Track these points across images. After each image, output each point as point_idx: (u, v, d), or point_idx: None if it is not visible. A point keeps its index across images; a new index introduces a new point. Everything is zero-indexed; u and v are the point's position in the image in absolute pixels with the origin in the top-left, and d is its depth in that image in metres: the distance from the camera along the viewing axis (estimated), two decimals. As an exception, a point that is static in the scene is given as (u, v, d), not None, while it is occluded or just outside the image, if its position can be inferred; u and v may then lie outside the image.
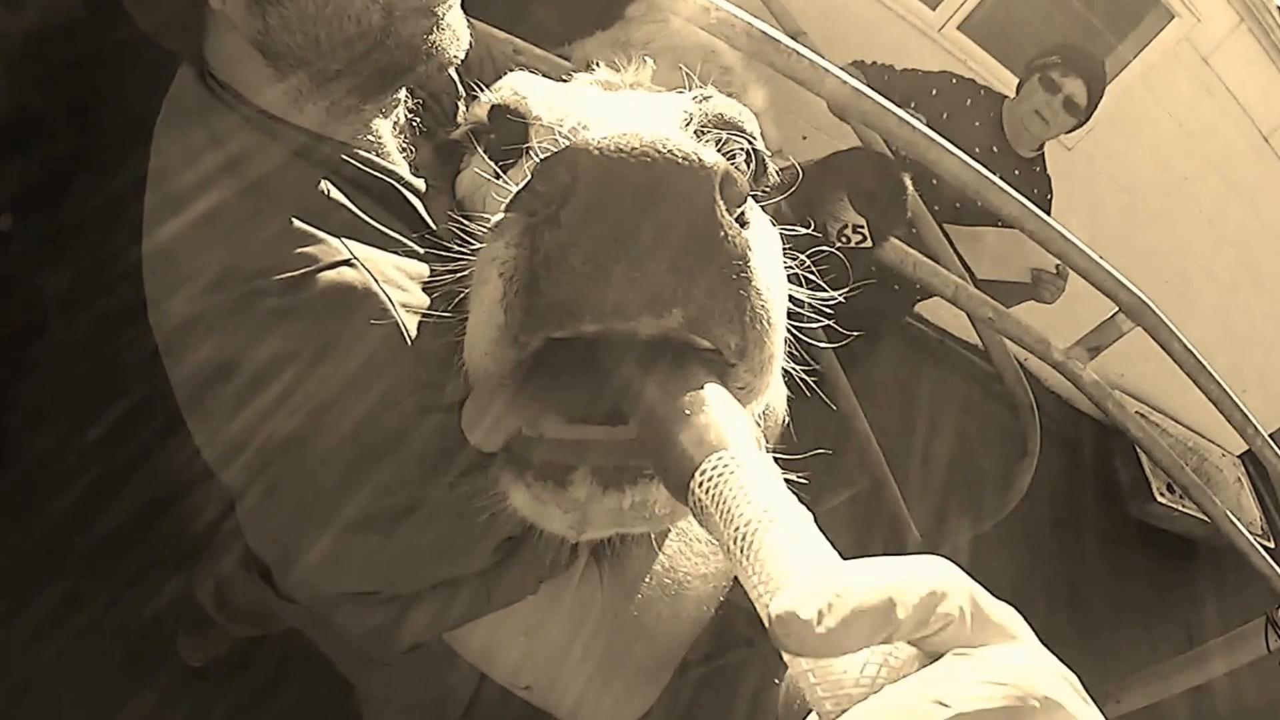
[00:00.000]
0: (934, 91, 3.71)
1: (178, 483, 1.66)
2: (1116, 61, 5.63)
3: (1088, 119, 3.71)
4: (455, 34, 1.22)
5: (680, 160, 0.63)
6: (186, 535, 2.00)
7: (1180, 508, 5.65)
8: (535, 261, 0.65)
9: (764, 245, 0.70)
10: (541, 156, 0.66)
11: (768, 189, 1.23)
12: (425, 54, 1.18)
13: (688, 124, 1.03)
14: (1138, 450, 5.13)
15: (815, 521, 0.57)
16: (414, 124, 1.36)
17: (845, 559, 0.54)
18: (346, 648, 1.36)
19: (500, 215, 0.70)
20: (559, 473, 0.71)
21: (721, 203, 0.65)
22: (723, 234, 0.65)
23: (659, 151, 0.63)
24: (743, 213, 0.69)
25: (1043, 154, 3.84)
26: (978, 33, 5.49)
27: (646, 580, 1.09)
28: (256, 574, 1.36)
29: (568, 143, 0.64)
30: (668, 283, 0.64)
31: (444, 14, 1.19)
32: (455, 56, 1.23)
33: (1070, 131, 3.78)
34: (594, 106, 1.05)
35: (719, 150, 1.03)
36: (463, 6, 1.24)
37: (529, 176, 0.67)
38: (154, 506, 2.15)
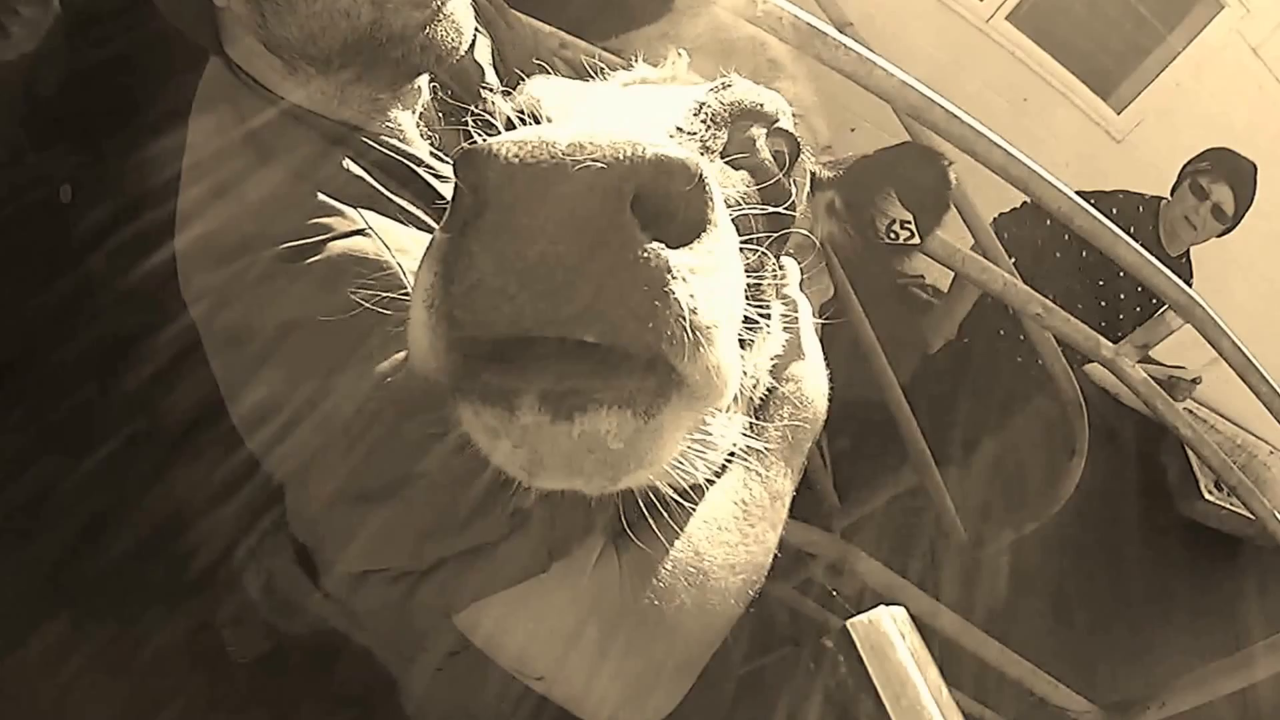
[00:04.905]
0: (1114, 210, 3.77)
1: (187, 510, 1.66)
2: (1166, 52, 5.53)
3: (1234, 226, 3.75)
4: (456, 25, 1.24)
5: (586, 175, 0.60)
6: (194, 568, 2.00)
7: (1229, 505, 5.56)
8: (450, 288, 0.64)
9: (699, 254, 0.66)
10: (459, 162, 0.64)
11: (800, 171, 1.21)
12: (420, 46, 1.20)
13: (698, 114, 1.02)
14: (1185, 447, 5.05)
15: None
16: (440, 115, 1.40)
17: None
18: (389, 645, 1.37)
19: (437, 232, 0.68)
20: (505, 396, 0.67)
21: (633, 219, 0.61)
22: (632, 257, 0.62)
23: (565, 165, 0.60)
24: (675, 218, 0.65)
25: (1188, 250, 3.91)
26: (1026, 23, 5.41)
27: (668, 567, 1.06)
28: (303, 570, 1.37)
29: (478, 151, 0.62)
30: (571, 307, 0.62)
31: (441, 5, 1.21)
32: (456, 47, 1.25)
33: (1220, 236, 3.81)
34: (599, 106, 1.05)
35: (730, 141, 1.03)
36: (513, 4, 1.25)
37: (454, 183, 0.65)
38: (160, 536, 2.16)
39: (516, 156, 0.61)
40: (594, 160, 0.60)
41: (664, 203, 0.63)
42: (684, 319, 0.64)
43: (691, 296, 0.64)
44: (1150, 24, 5.57)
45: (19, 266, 2.16)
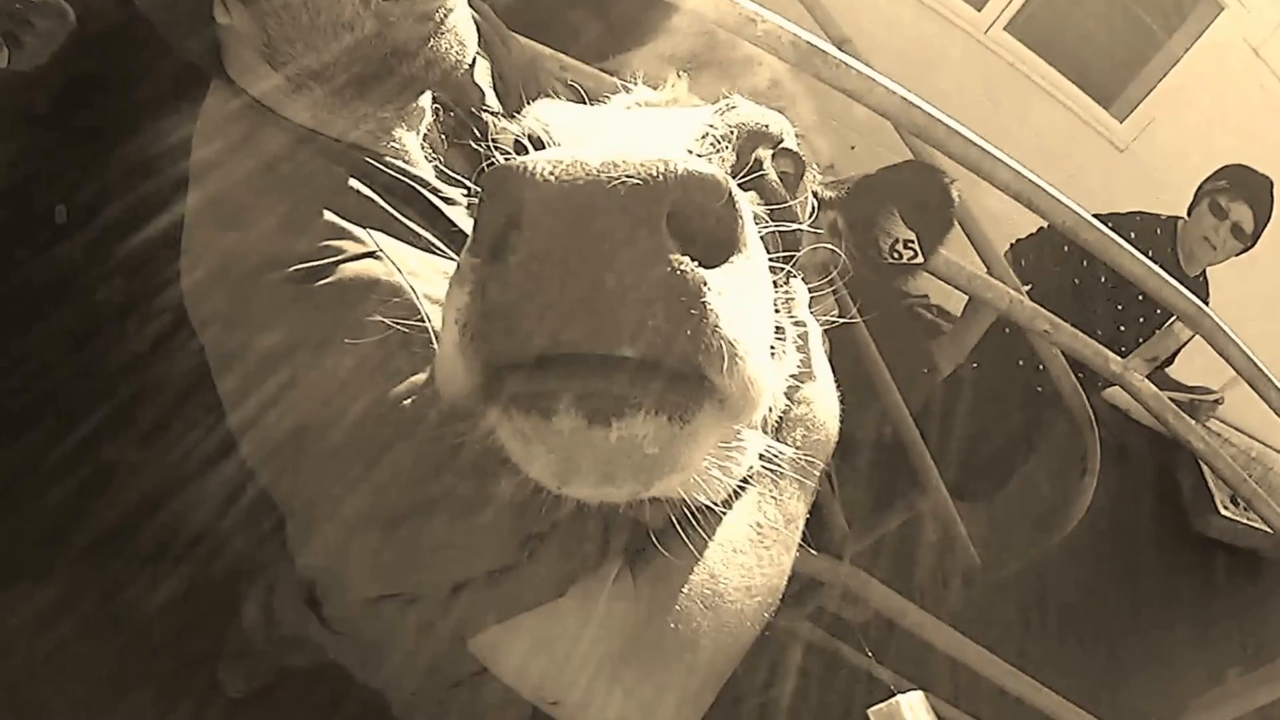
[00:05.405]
0: (1132, 232, 3.72)
1: (174, 478, 1.66)
2: (1167, 58, 5.52)
3: (1254, 244, 3.72)
4: (459, 39, 1.24)
5: (622, 193, 0.60)
6: (180, 532, 2.00)
7: (1245, 520, 5.52)
8: (486, 308, 0.65)
9: (731, 273, 0.66)
10: (489, 182, 0.64)
11: (804, 191, 1.20)
12: (425, 60, 1.21)
13: (705, 137, 1.01)
14: (1200, 462, 5.03)
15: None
16: (444, 136, 1.40)
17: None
18: (396, 683, 1.36)
19: (461, 258, 0.68)
20: (540, 403, 0.66)
21: (671, 242, 0.62)
22: (670, 270, 0.62)
23: (601, 183, 0.60)
24: (707, 235, 0.65)
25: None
26: (1024, 33, 5.40)
27: (684, 590, 1.05)
28: (304, 601, 1.36)
29: (513, 170, 0.62)
30: (610, 324, 0.62)
31: (443, 18, 1.21)
32: (460, 61, 1.25)
33: (1239, 254, 3.78)
34: (609, 128, 1.05)
35: (738, 162, 1.02)
36: (512, 26, 1.25)
37: (480, 203, 0.66)
38: (150, 502, 2.16)
39: (552, 175, 0.61)
40: (628, 178, 0.60)
41: (696, 219, 0.63)
42: (720, 332, 0.64)
43: (727, 311, 0.65)
44: (1150, 29, 5.56)
45: (13, 280, 2.18)
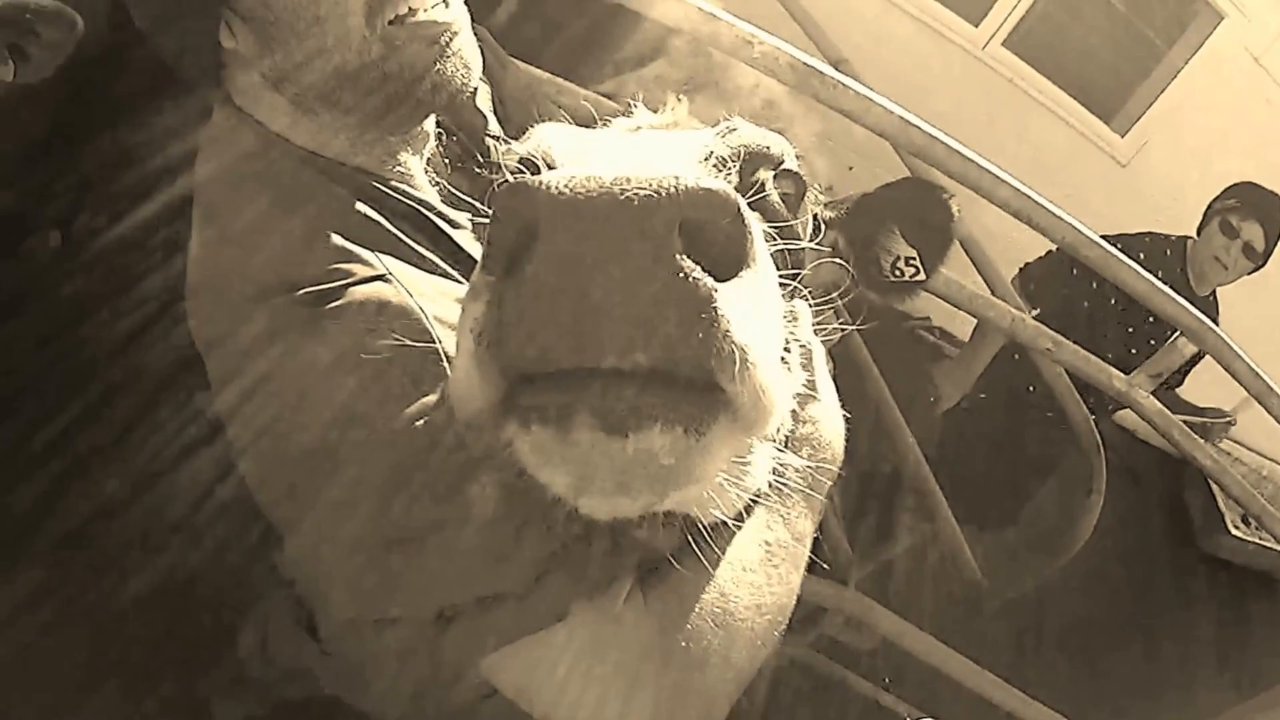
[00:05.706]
0: (1141, 254, 3.69)
1: (149, 472, 1.66)
2: (1168, 69, 5.51)
3: (1264, 263, 3.71)
4: (465, 63, 1.25)
5: (634, 204, 0.62)
6: (156, 528, 2.00)
7: (1257, 540, 5.48)
8: (502, 318, 0.66)
9: (741, 287, 0.68)
10: (501, 199, 0.65)
11: (805, 212, 1.20)
12: (431, 84, 1.21)
13: (707, 159, 1.01)
14: (1209, 481, 5.00)
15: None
16: (447, 161, 1.41)
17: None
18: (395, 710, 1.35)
19: (474, 277, 0.70)
20: (557, 414, 0.67)
21: (681, 252, 0.63)
22: (681, 277, 0.63)
23: (615, 195, 0.62)
24: (716, 249, 0.66)
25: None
26: (1022, 48, 5.40)
27: (695, 609, 1.05)
28: (303, 628, 1.35)
29: (527, 186, 0.63)
30: (624, 330, 0.63)
31: (449, 43, 1.22)
32: (467, 85, 1.26)
33: (1250, 274, 3.77)
34: (613, 150, 1.05)
35: (740, 184, 1.02)
36: (511, 51, 1.25)
37: (493, 221, 0.67)
38: (125, 496, 2.15)
39: (567, 189, 0.62)
40: (641, 190, 0.61)
41: (707, 233, 0.64)
42: (732, 338, 0.65)
43: (738, 320, 0.66)
44: (1150, 41, 5.55)
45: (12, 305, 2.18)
